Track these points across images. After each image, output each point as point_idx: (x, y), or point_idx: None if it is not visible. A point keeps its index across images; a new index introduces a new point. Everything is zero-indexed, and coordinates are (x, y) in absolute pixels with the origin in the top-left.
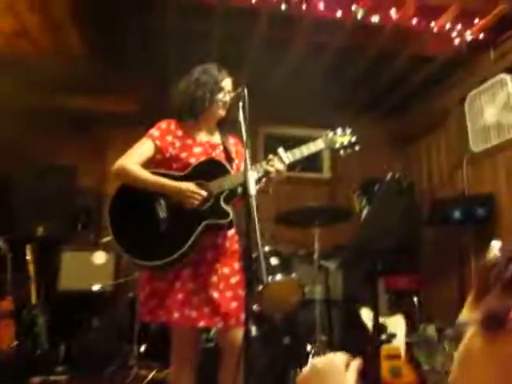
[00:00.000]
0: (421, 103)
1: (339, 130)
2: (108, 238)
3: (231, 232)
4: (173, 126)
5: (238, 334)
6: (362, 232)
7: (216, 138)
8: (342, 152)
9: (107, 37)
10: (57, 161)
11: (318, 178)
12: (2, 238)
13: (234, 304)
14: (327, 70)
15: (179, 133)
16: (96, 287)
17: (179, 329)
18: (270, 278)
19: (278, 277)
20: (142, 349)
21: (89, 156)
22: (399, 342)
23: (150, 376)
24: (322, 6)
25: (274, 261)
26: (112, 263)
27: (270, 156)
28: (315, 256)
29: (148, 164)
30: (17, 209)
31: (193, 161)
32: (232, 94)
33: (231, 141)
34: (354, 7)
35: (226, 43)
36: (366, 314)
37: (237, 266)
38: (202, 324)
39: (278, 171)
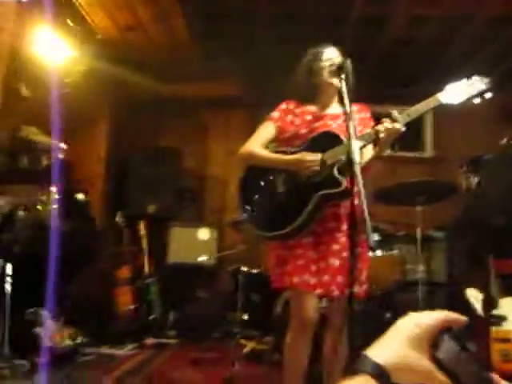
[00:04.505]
0: None
1: (462, 81)
2: (232, 218)
3: (356, 202)
4: (292, 106)
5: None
6: (472, 201)
7: (336, 108)
8: (467, 103)
9: (209, 23)
10: (164, 144)
11: (419, 157)
12: (119, 213)
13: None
14: (430, 42)
15: (298, 110)
16: (202, 258)
17: (299, 293)
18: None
19: (379, 252)
20: (245, 317)
21: (192, 139)
22: (511, 326)
23: (251, 345)
24: None
25: (374, 237)
26: (215, 239)
27: (384, 119)
28: (418, 235)
29: (272, 143)
30: (131, 188)
31: (312, 135)
32: (333, 62)
33: (354, 108)
34: None
35: (324, 24)
36: (473, 295)
37: (360, 237)
38: (318, 291)
39: (388, 129)
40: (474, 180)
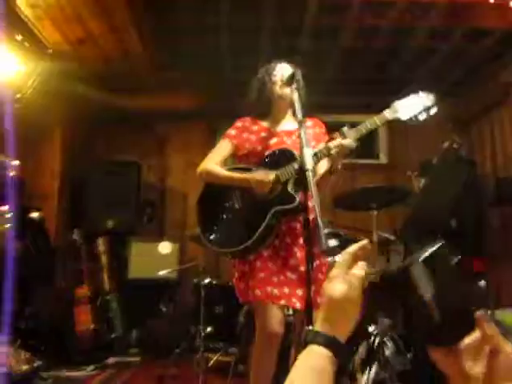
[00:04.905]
0: (481, 80)
1: (408, 98)
2: (192, 231)
3: (312, 216)
4: (247, 123)
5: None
6: (420, 201)
7: (291, 124)
8: (413, 120)
9: (164, 37)
10: (122, 158)
11: (374, 164)
12: (76, 230)
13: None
14: (379, 53)
15: (254, 128)
16: (163, 272)
17: (263, 306)
18: (329, 258)
19: (337, 257)
20: (208, 330)
21: (151, 153)
22: None
23: (215, 358)
24: None
25: (332, 242)
26: (176, 253)
27: (334, 134)
28: (374, 239)
29: (229, 160)
30: (89, 204)
31: (268, 152)
32: (284, 76)
33: (308, 123)
34: None
35: (280, 35)
36: None
37: (316, 250)
38: (282, 302)
39: (339, 146)
40: (422, 182)
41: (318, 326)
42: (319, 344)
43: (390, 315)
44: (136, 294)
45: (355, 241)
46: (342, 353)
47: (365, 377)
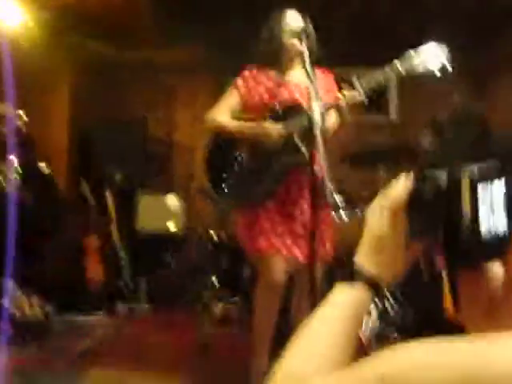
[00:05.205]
0: (509, 30)
1: (421, 48)
2: (200, 184)
3: (317, 168)
4: (254, 72)
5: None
6: (428, 160)
7: (301, 76)
8: (427, 72)
9: None
10: (129, 112)
11: (383, 120)
12: (84, 182)
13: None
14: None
15: (261, 77)
16: (170, 224)
17: (266, 255)
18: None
19: (342, 212)
20: (214, 281)
21: (158, 106)
22: None
23: (221, 308)
24: None
25: (337, 198)
26: (184, 206)
27: (344, 86)
28: None
29: (238, 111)
30: (97, 158)
31: (276, 103)
32: (294, 26)
33: (318, 73)
34: None
35: None
36: None
37: (322, 202)
38: (285, 253)
39: (348, 97)
40: (430, 140)
41: (365, 262)
42: (363, 281)
43: None
44: (143, 245)
45: (360, 197)
46: (379, 297)
47: (363, 328)
